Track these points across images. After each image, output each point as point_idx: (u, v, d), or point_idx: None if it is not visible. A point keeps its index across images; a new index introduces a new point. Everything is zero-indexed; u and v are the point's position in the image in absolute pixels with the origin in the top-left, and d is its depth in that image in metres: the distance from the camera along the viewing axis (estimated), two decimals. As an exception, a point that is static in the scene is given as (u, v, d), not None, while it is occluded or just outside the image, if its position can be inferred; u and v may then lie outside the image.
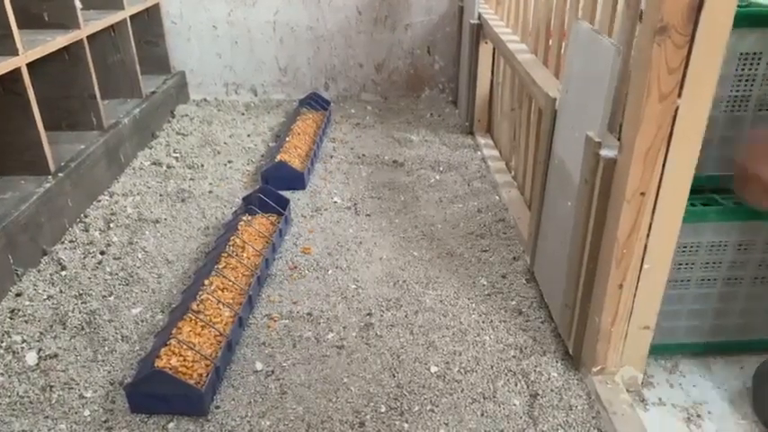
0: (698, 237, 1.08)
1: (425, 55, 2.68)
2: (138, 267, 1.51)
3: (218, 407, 1.10)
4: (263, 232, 1.56)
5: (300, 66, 2.69)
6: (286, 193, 1.77)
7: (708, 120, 0.90)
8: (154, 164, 2.07)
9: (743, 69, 1.00)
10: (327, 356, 1.22)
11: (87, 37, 1.86)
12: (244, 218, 1.60)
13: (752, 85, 1.01)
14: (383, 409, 1.09)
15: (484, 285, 1.44)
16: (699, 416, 1.08)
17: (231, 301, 1.31)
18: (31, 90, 1.55)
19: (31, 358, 1.21)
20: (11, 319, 1.31)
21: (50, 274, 1.47)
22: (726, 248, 1.10)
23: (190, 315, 1.22)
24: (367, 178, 1.99)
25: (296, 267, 1.51)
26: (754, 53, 0.99)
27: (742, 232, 1.09)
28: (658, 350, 1.18)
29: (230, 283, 1.34)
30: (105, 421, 1.07)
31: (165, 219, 1.73)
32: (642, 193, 0.94)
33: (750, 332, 1.20)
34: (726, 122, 1.04)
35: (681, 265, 1.11)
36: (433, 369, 1.18)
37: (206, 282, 1.32)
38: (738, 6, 0.84)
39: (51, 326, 1.30)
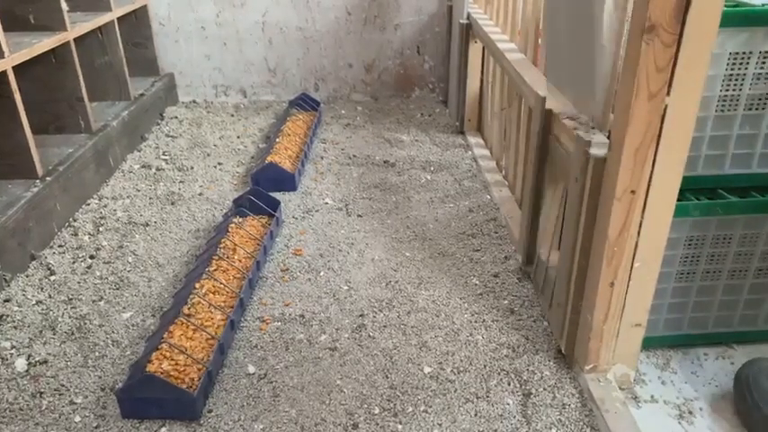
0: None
1: (415, 55, 2.68)
2: (129, 271, 1.50)
3: (210, 411, 1.09)
4: (253, 234, 1.55)
5: (290, 67, 2.68)
6: (277, 195, 1.76)
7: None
8: (143, 167, 2.06)
9: (732, 69, 1.00)
10: (320, 358, 1.21)
11: (74, 39, 1.84)
12: (234, 220, 1.59)
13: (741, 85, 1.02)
14: (377, 411, 1.09)
15: (476, 285, 1.44)
16: (690, 412, 1.08)
17: (222, 304, 1.30)
18: (18, 93, 1.53)
19: (20, 364, 1.20)
20: (-1, 325, 1.30)
21: (39, 280, 1.45)
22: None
23: (181, 319, 1.21)
24: (358, 179, 1.98)
25: (287, 269, 1.50)
26: (744, 53, 0.99)
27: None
28: (673, 340, 1.23)
29: (221, 286, 1.34)
30: (96, 427, 1.06)
31: (155, 222, 1.72)
32: (632, 192, 0.95)
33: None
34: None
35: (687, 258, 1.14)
36: (426, 369, 1.18)
37: (197, 285, 1.32)
38: (726, 6, 0.85)
39: (41, 331, 1.29)
